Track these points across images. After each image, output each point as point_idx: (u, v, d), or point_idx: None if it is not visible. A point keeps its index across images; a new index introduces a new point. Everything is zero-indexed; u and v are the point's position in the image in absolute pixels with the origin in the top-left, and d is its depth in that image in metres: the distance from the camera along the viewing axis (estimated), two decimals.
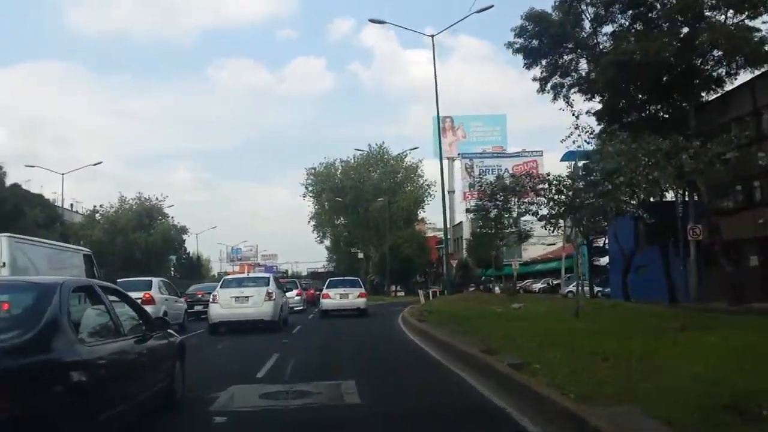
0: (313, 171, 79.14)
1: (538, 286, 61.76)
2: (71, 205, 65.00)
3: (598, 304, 25.62)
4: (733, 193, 29.63)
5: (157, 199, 66.03)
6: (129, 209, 64.13)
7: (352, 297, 26.26)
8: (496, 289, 61.94)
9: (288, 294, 26.55)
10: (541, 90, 29.76)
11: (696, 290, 26.64)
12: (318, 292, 40.80)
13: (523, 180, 19.87)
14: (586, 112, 30.63)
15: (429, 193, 78.94)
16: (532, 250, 71.39)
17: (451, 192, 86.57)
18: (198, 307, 23.78)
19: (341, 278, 31.39)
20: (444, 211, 33.85)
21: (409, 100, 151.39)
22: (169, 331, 7.41)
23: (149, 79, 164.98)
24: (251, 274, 21.66)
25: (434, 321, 18.61)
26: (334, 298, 26.38)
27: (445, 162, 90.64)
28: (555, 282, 58.71)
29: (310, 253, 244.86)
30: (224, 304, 19.59)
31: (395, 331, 19.41)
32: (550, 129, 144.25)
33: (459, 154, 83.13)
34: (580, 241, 53.85)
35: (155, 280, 19.79)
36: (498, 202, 42.28)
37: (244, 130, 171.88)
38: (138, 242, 61.96)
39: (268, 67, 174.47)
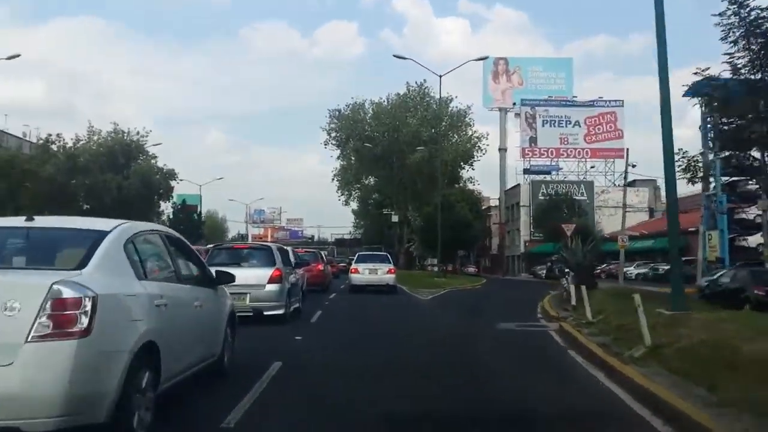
0: (337, 114, 61.39)
1: (633, 271, 43.91)
2: (26, 133, 48.24)
3: None
4: None
5: (138, 133, 49.05)
6: (99, 143, 47.33)
7: (381, 273, 23.16)
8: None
9: (255, 274, 10.37)
10: None
11: None
12: (342, 266, 37.21)
13: None
14: None
15: (479, 147, 61.04)
16: (606, 223, 52.80)
17: (504, 150, 68.83)
18: None
19: (370, 253, 28.89)
20: (667, 116, 14.41)
21: (442, 70, 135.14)
22: None
23: (184, 39, 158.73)
24: None
25: None
26: (363, 273, 23.22)
27: (496, 113, 73.02)
28: (663, 268, 41.00)
29: (335, 218, 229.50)
30: None
31: None
32: None
33: (515, 104, 65.01)
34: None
35: None
36: None
37: (276, 96, 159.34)
38: (109, 186, 45.14)
39: (301, 30, 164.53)
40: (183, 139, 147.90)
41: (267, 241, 56.26)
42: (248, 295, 10.85)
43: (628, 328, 9.58)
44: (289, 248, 18.32)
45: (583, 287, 12.16)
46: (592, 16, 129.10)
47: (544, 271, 49.38)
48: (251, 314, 10.88)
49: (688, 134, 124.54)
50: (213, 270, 6.73)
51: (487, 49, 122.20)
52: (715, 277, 22.18)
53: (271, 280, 11.07)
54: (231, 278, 6.65)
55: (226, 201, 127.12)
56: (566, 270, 44.77)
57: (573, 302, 14.22)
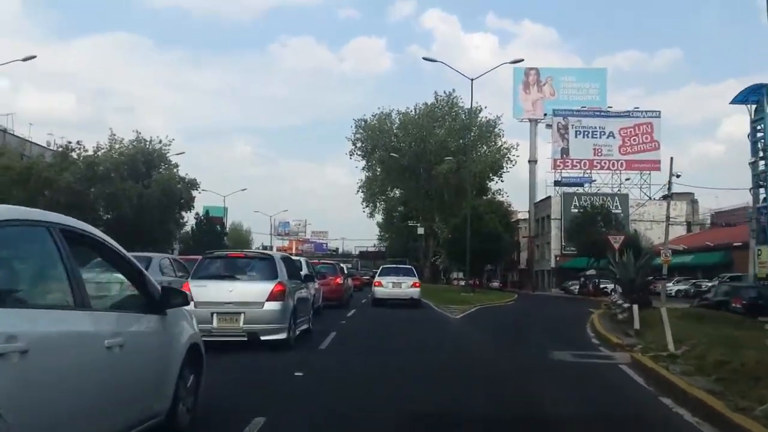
0: (363, 123, 59.49)
1: (673, 287, 40.79)
2: (50, 142, 46.99)
3: None
4: None
5: (160, 142, 47.71)
6: (120, 151, 45.98)
7: (405, 286, 21.90)
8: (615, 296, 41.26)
9: (252, 289, 9.09)
10: None
11: None
12: (365, 279, 37.64)
13: None
14: None
15: (508, 158, 58.56)
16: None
17: (534, 162, 65.97)
18: None
19: (394, 266, 27.95)
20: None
21: (469, 85, 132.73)
22: None
23: (212, 53, 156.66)
24: None
25: None
26: (386, 286, 22.03)
27: (525, 125, 70.08)
28: (706, 285, 37.89)
29: (360, 231, 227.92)
30: None
31: None
32: None
33: (546, 114, 62.24)
34: None
35: None
36: None
37: (302, 109, 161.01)
38: (129, 195, 43.52)
39: (329, 46, 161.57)
40: (210, 151, 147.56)
41: (292, 253, 54.25)
42: (242, 315, 8.67)
43: (736, 367, 7.16)
44: (302, 259, 16.21)
45: (663, 309, 9.70)
46: (621, 32, 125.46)
47: (577, 287, 46.61)
48: (245, 339, 8.70)
49: (719, 150, 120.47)
50: (161, 285, 4.54)
51: (514, 66, 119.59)
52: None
53: (271, 297, 8.82)
54: (182, 300, 4.42)
55: (252, 213, 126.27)
56: (602, 287, 41.68)
57: (636, 326, 11.75)
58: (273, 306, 8.80)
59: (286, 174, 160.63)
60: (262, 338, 8.67)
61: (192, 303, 8.68)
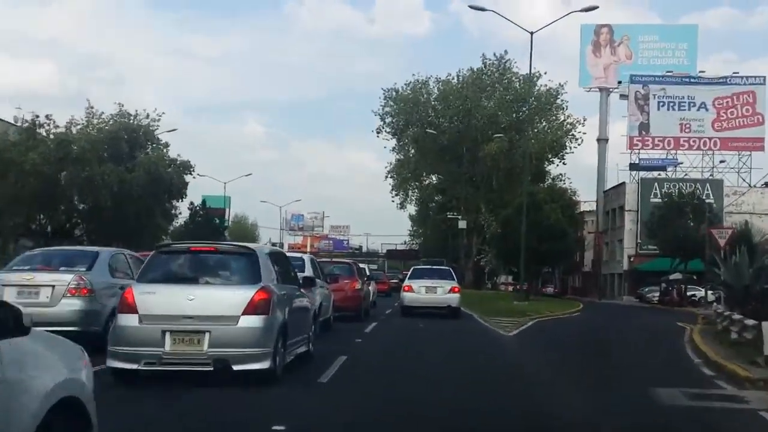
0: (393, 95, 57.95)
1: None
2: (17, 117, 46.24)
3: None
4: None
5: (147, 116, 46.77)
6: (99, 128, 45.11)
7: (442, 292, 21.56)
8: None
9: (221, 298, 7.66)
10: None
11: None
12: (394, 282, 38.03)
13: None
14: None
15: (573, 136, 56.54)
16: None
17: (604, 140, 63.71)
18: None
19: (428, 267, 27.46)
20: None
21: (524, 50, 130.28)
22: None
23: (216, 15, 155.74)
24: None
25: None
26: (418, 292, 21.69)
27: (595, 94, 67.52)
28: None
29: (388, 225, 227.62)
30: None
31: None
32: None
33: (621, 82, 60.06)
34: None
35: None
36: None
37: (320, 80, 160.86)
38: (109, 179, 42.50)
39: (355, 3, 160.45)
40: (210, 131, 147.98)
41: (302, 251, 52.88)
42: (207, 334, 7.18)
43: None
44: (306, 256, 14.76)
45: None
46: None
47: (657, 295, 44.63)
48: (211, 369, 7.22)
49: None
50: None
51: (581, 22, 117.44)
52: None
53: (250, 309, 7.30)
54: (14, 323, 2.88)
55: (259, 203, 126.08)
56: (691, 295, 39.45)
57: (767, 351, 10.04)
58: (252, 322, 7.26)
59: (300, 157, 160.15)
60: (235, 368, 7.15)
61: (137, 317, 7.32)
